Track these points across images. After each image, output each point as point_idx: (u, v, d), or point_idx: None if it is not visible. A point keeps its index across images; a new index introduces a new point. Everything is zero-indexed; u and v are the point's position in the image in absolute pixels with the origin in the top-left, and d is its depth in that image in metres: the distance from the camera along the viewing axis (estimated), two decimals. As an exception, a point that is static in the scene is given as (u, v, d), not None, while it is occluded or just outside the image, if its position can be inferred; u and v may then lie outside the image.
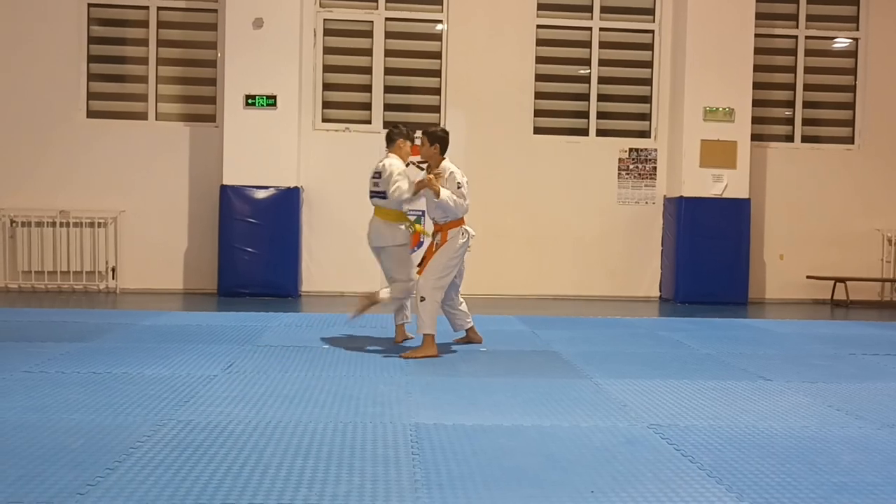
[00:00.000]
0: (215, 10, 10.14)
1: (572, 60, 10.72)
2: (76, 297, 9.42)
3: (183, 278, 10.15)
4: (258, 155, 9.61)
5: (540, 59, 10.57)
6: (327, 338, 6.56)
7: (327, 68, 10.38)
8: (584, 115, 10.67)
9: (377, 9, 10.37)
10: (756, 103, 10.38)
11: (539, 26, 10.55)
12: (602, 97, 10.68)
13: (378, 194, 6.16)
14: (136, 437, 3.60)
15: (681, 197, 10.19)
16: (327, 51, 10.37)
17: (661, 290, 10.63)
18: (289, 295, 9.61)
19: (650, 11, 10.66)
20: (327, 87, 10.40)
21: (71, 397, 4.33)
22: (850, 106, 10.98)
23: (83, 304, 8.83)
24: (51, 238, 9.80)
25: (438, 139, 6.00)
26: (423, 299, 5.81)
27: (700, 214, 10.12)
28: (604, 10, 10.62)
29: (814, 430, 4.04)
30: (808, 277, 10.61)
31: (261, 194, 9.64)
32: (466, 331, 6.38)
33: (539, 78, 10.58)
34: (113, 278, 9.99)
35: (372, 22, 10.37)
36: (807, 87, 10.92)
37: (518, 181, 10.48)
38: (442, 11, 10.44)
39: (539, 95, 10.59)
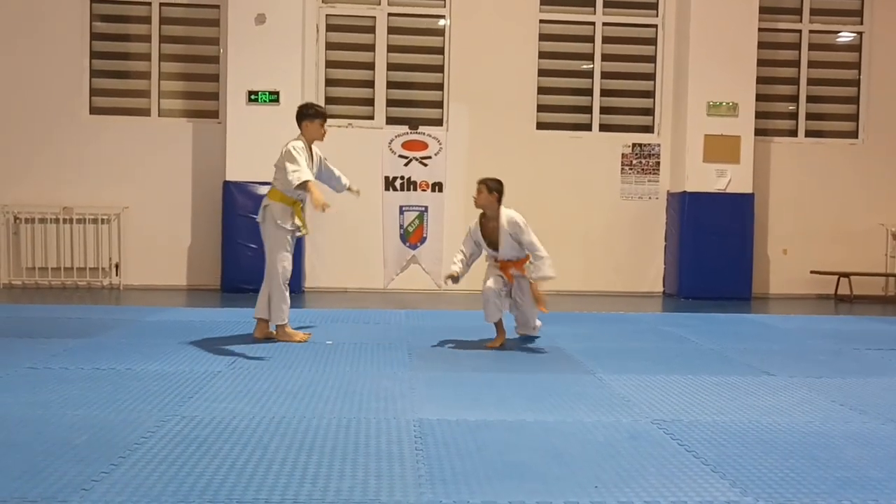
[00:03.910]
0: (217, 6, 10.14)
1: (575, 55, 10.71)
2: (80, 294, 9.44)
3: (186, 274, 10.17)
4: (261, 151, 9.57)
5: (543, 55, 10.56)
6: (331, 333, 6.56)
7: (330, 64, 10.38)
8: (588, 110, 10.66)
9: (380, 4, 10.36)
10: (760, 98, 10.36)
11: (542, 21, 10.53)
12: (605, 92, 10.67)
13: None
14: (141, 433, 3.60)
15: (684, 192, 10.18)
16: (330, 46, 10.37)
17: (664, 286, 10.63)
18: (292, 291, 9.57)
19: (653, 6, 10.64)
20: (330, 82, 10.40)
21: (75, 393, 4.34)
22: (855, 100, 10.96)
23: (87, 301, 8.84)
24: (54, 234, 9.82)
25: (498, 190, 6.12)
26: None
27: (704, 209, 10.11)
28: (607, 4, 10.60)
29: (817, 425, 4.04)
30: (811, 272, 10.60)
31: (264, 190, 9.57)
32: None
33: (542, 73, 10.57)
34: (116, 274, 10.02)
35: (374, 17, 10.36)
36: (811, 82, 10.89)
37: (521, 177, 10.43)
38: (445, 7, 10.43)
39: (542, 90, 10.58)
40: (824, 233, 10.76)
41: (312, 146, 6.12)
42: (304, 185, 5.78)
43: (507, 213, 6.11)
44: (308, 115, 6.06)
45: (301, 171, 5.78)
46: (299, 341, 6.05)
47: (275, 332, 6.11)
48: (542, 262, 6.04)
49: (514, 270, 6.16)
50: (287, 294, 6.06)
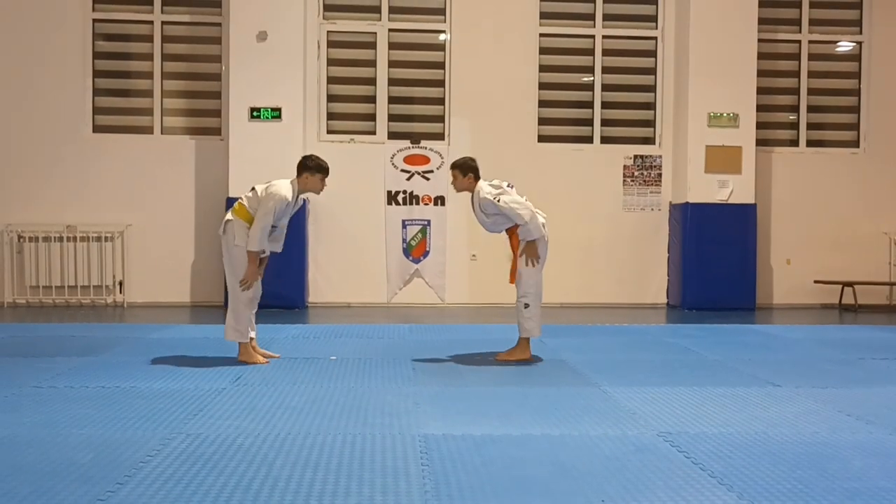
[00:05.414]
0: (219, 24, 10.20)
1: (576, 68, 10.75)
2: (84, 312, 9.45)
3: (190, 291, 10.17)
4: (264, 167, 9.58)
5: (543, 68, 10.60)
6: (335, 349, 6.55)
7: (331, 80, 10.42)
8: (589, 122, 10.69)
9: (380, 20, 10.41)
10: (760, 108, 10.38)
11: (542, 35, 10.57)
12: (606, 104, 10.69)
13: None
14: (146, 451, 3.60)
15: (686, 203, 10.18)
16: (331, 62, 10.41)
17: (668, 297, 10.61)
18: (296, 306, 9.62)
19: (653, 19, 10.68)
20: (331, 98, 10.44)
21: (80, 412, 4.34)
22: (855, 109, 10.97)
23: (91, 319, 8.85)
24: (58, 253, 9.84)
25: (470, 169, 6.00)
26: (527, 306, 5.92)
27: (706, 220, 10.11)
28: (606, 17, 10.64)
29: (824, 435, 4.02)
30: (815, 282, 10.58)
31: (267, 206, 9.64)
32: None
33: (543, 86, 10.60)
34: (120, 292, 10.03)
35: (375, 33, 10.41)
36: (811, 92, 10.91)
37: (523, 190, 10.28)
38: (445, 21, 10.48)
39: (543, 104, 10.61)
40: (827, 242, 10.75)
41: (301, 196, 5.96)
42: (249, 253, 5.64)
43: (478, 189, 5.95)
44: (310, 167, 5.86)
45: (257, 239, 5.60)
46: (255, 363, 5.80)
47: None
48: (523, 230, 5.85)
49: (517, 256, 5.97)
50: (248, 313, 5.79)
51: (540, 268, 6.00)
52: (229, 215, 5.84)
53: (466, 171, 6.01)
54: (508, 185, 6.00)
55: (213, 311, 9.45)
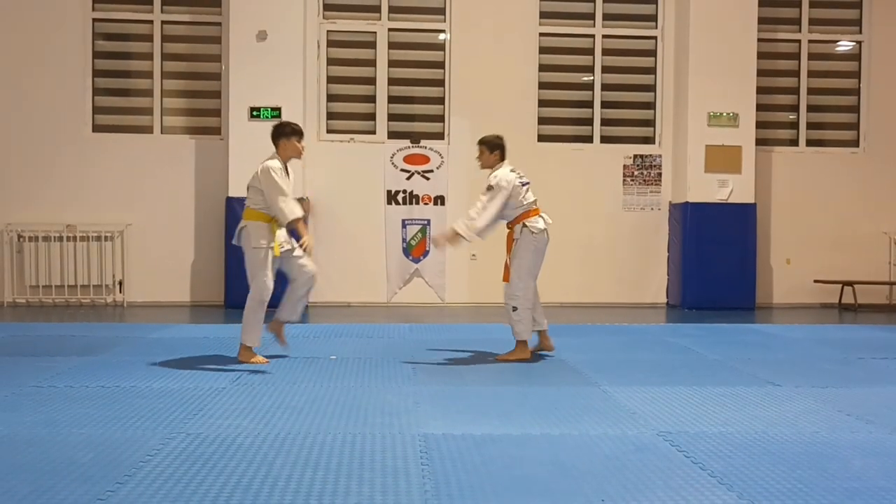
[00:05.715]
0: (219, 24, 10.19)
1: (575, 68, 10.74)
2: (84, 311, 9.45)
3: (190, 291, 10.17)
4: (263, 167, 9.64)
5: (543, 67, 10.60)
6: (334, 348, 6.55)
7: (331, 79, 10.42)
8: (589, 122, 10.69)
9: (380, 20, 10.41)
10: (760, 108, 10.38)
11: (542, 34, 10.57)
12: (606, 104, 10.69)
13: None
14: (146, 451, 3.60)
15: (686, 203, 10.18)
16: (331, 62, 10.41)
17: (667, 297, 10.62)
18: (295, 306, 9.60)
19: (652, 18, 10.68)
20: (331, 98, 10.44)
21: (80, 411, 4.34)
22: (855, 109, 10.97)
23: (91, 318, 8.85)
24: (58, 252, 9.84)
25: (498, 147, 6.12)
26: (514, 309, 5.93)
27: (706, 220, 10.11)
28: (606, 17, 10.64)
29: (824, 435, 4.02)
30: (815, 281, 10.58)
31: (266, 206, 9.64)
32: (539, 334, 6.25)
33: (542, 86, 10.60)
34: (120, 291, 10.03)
35: (375, 33, 10.41)
36: (811, 91, 10.91)
37: (523, 189, 10.47)
38: (445, 21, 10.48)
39: (543, 103, 10.61)
40: (827, 242, 10.75)
41: (288, 165, 5.96)
42: (294, 221, 5.67)
43: (496, 171, 6.03)
44: (285, 133, 5.89)
45: (293, 205, 5.67)
46: (254, 362, 5.77)
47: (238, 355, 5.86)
48: (467, 223, 5.87)
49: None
50: (262, 316, 5.75)
51: (533, 272, 6.03)
52: (242, 223, 5.85)
53: (494, 148, 6.11)
54: (522, 183, 6.04)
55: (213, 311, 9.45)
